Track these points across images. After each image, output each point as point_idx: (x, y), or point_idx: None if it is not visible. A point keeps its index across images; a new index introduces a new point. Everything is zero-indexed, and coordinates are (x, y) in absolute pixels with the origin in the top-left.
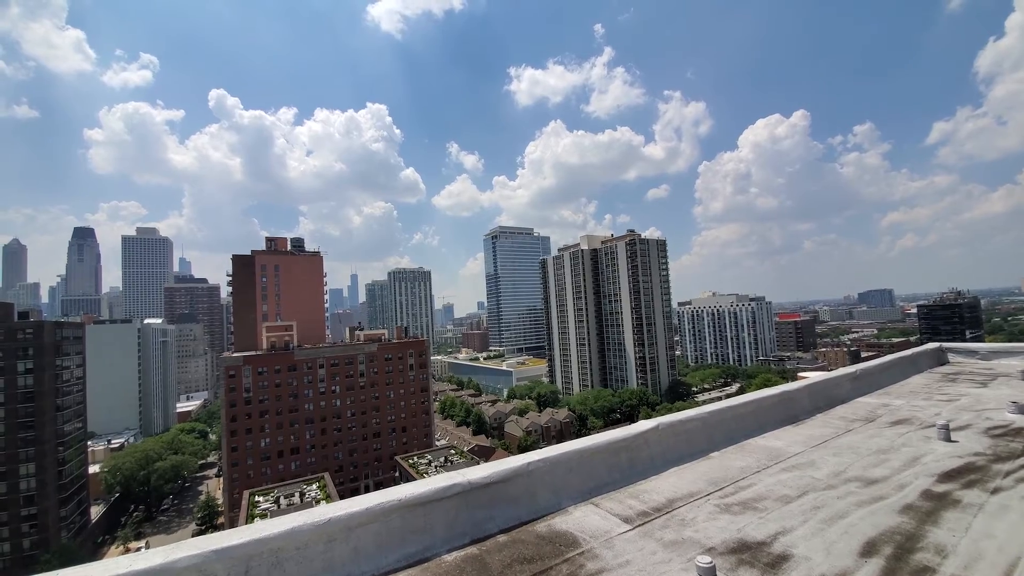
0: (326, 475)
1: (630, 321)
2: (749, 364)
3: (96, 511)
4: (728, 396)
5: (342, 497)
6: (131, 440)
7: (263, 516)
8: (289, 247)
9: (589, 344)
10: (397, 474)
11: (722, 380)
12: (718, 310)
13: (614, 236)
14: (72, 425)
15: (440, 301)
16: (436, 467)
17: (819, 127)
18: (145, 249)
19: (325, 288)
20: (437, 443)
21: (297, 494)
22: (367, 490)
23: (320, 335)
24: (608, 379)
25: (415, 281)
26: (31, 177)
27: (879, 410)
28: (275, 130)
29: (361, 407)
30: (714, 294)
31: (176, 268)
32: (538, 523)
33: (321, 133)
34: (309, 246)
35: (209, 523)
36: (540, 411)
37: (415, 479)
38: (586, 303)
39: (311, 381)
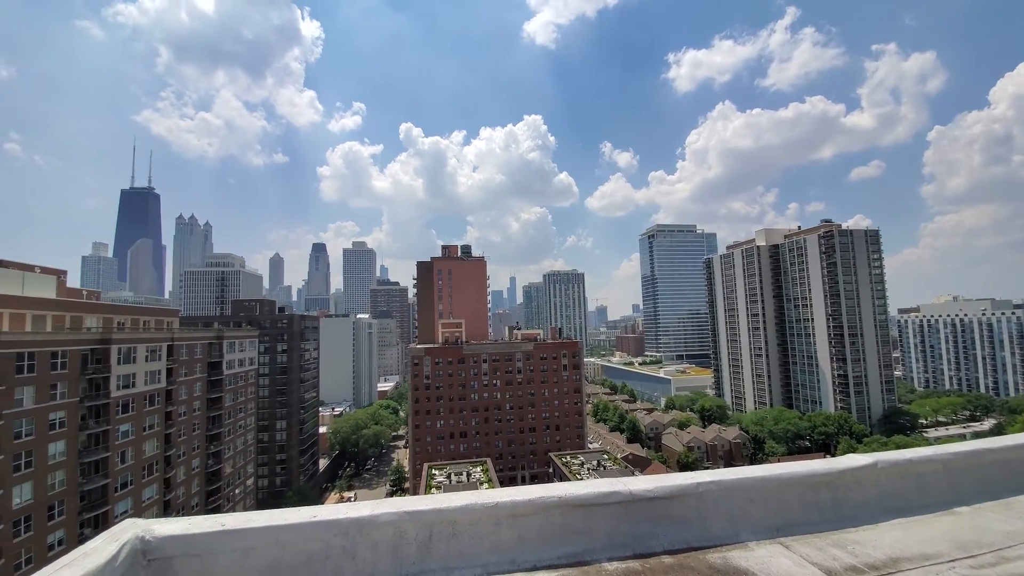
0: (488, 460)
1: (825, 331)
2: (1012, 394)
3: (322, 463)
4: (977, 436)
5: (501, 483)
6: (347, 410)
7: (438, 488)
8: (459, 253)
9: (767, 356)
10: (550, 470)
11: (967, 413)
12: (962, 320)
13: (802, 229)
14: (309, 394)
15: (593, 303)
16: (589, 469)
17: None
18: (358, 259)
19: (488, 289)
20: (589, 445)
21: (464, 473)
22: (523, 481)
23: (483, 332)
24: (793, 398)
25: (568, 283)
26: (286, 206)
27: None
28: (448, 152)
29: (518, 402)
30: (955, 298)
31: (378, 273)
32: (711, 552)
33: (484, 150)
34: (474, 252)
35: (398, 486)
36: (704, 426)
37: (568, 478)
38: (763, 308)
39: (476, 374)
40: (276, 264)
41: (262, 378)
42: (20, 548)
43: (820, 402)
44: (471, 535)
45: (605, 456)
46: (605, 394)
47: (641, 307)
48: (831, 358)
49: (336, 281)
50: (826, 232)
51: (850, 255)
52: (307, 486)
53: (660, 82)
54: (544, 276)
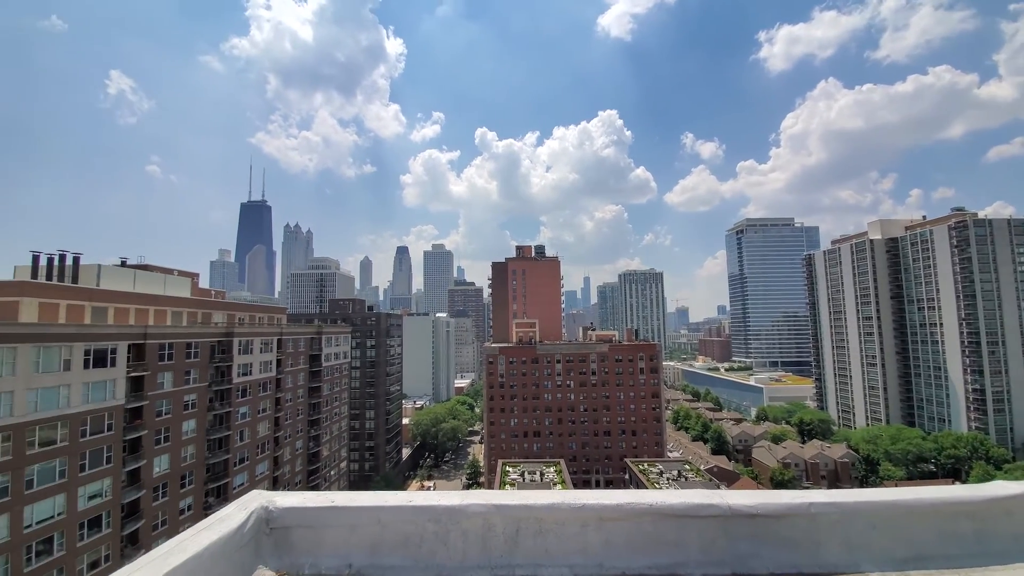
0: (561, 462)
1: (957, 337)
2: None
3: (405, 453)
4: None
5: (575, 486)
6: (427, 404)
7: (512, 484)
8: (533, 253)
9: (883, 365)
10: (626, 477)
11: None
12: None
13: (927, 219)
14: (394, 387)
15: (673, 304)
16: (668, 479)
17: None
18: (436, 261)
19: (561, 290)
20: (669, 454)
21: (538, 472)
22: (597, 485)
23: (557, 333)
24: (915, 415)
25: (646, 283)
26: (374, 212)
27: None
28: (521, 153)
29: (593, 404)
30: None
31: (455, 274)
32: None
33: (557, 149)
34: (548, 252)
35: (474, 480)
36: (802, 442)
37: (645, 486)
38: (878, 310)
39: (550, 374)
40: (366, 266)
41: (354, 371)
42: (157, 511)
43: (949, 420)
44: (557, 534)
45: (687, 467)
46: (686, 400)
47: (728, 308)
48: (964, 369)
49: (417, 282)
50: (958, 222)
51: (988, 249)
52: (392, 473)
53: (749, 64)
54: (619, 276)
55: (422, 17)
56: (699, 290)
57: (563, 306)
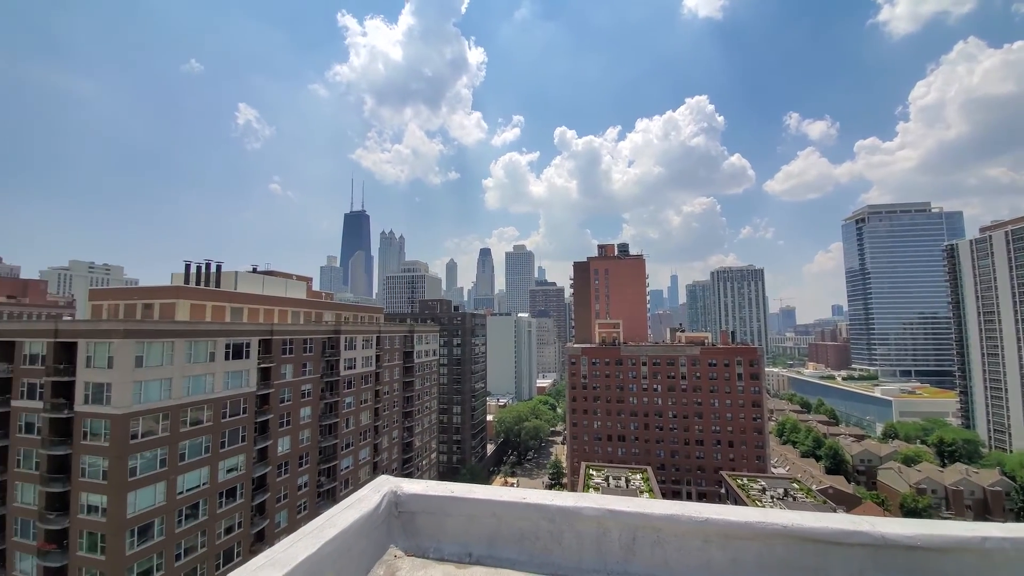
0: (649, 469)
1: None
2: None
3: (489, 448)
4: None
5: (663, 495)
6: (510, 402)
7: (596, 489)
8: (616, 252)
9: None
10: (723, 491)
11: None
12: None
13: None
14: (479, 384)
15: (776, 304)
16: (773, 498)
17: None
18: (518, 262)
19: (646, 289)
20: (773, 470)
21: (624, 479)
22: (689, 497)
23: (642, 334)
24: None
25: (743, 280)
26: (458, 216)
27: None
28: (602, 150)
29: (683, 410)
30: None
31: (536, 275)
32: None
33: (640, 143)
34: (631, 250)
35: (557, 480)
36: (942, 465)
37: (745, 503)
38: None
39: (635, 376)
40: (451, 268)
41: (442, 368)
42: (280, 486)
43: None
44: (677, 547)
45: (794, 485)
46: (794, 412)
47: (845, 309)
48: None
49: (499, 282)
50: None
51: None
52: (477, 466)
53: (866, 30)
54: (712, 274)
55: (501, 24)
56: (808, 288)
57: (648, 306)
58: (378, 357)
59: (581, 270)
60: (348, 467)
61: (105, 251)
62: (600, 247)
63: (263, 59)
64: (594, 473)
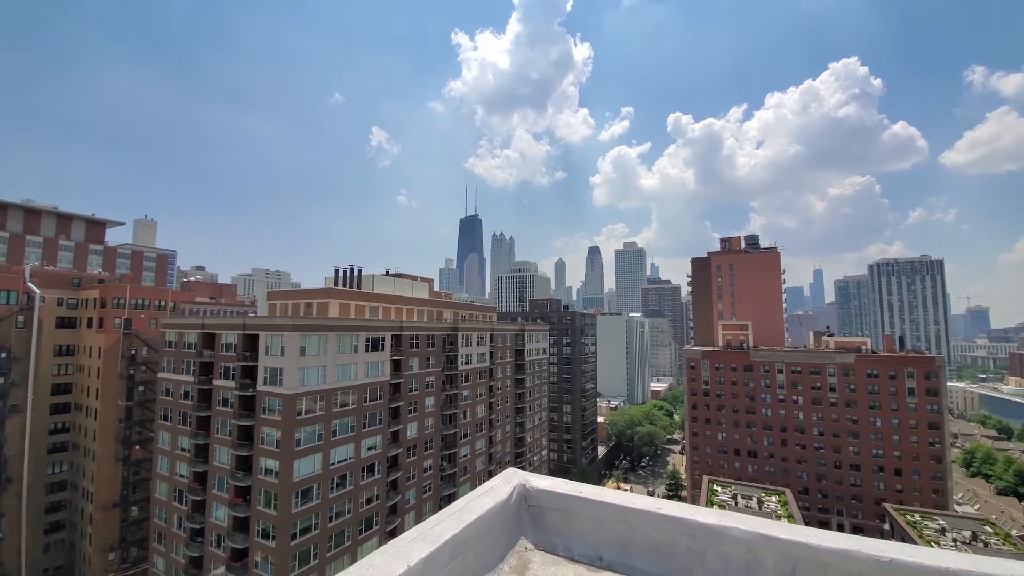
0: (787, 492)
1: None
2: None
3: (600, 451)
4: None
5: (807, 523)
6: (621, 404)
7: (721, 506)
8: (743, 245)
9: None
10: (887, 527)
11: None
12: None
13: None
14: (588, 384)
15: (961, 303)
16: (957, 542)
17: None
18: (628, 259)
19: (782, 286)
20: (957, 506)
21: (755, 499)
22: (840, 528)
23: (777, 337)
24: None
25: (914, 275)
26: (565, 216)
27: None
28: (724, 133)
29: (833, 427)
30: None
31: (648, 272)
32: None
33: (772, 120)
34: (762, 242)
35: (674, 492)
36: None
37: (915, 542)
38: None
39: (768, 385)
40: (559, 268)
41: (551, 366)
42: (410, 467)
43: None
44: None
45: (987, 528)
46: (987, 437)
47: None
48: None
49: (609, 281)
50: None
51: None
52: (588, 468)
53: None
54: (870, 267)
55: (607, 14)
56: (1006, 283)
57: (785, 306)
58: (492, 354)
59: (700, 266)
60: (466, 455)
61: (277, 259)
62: (723, 240)
63: (391, 85)
64: (719, 489)
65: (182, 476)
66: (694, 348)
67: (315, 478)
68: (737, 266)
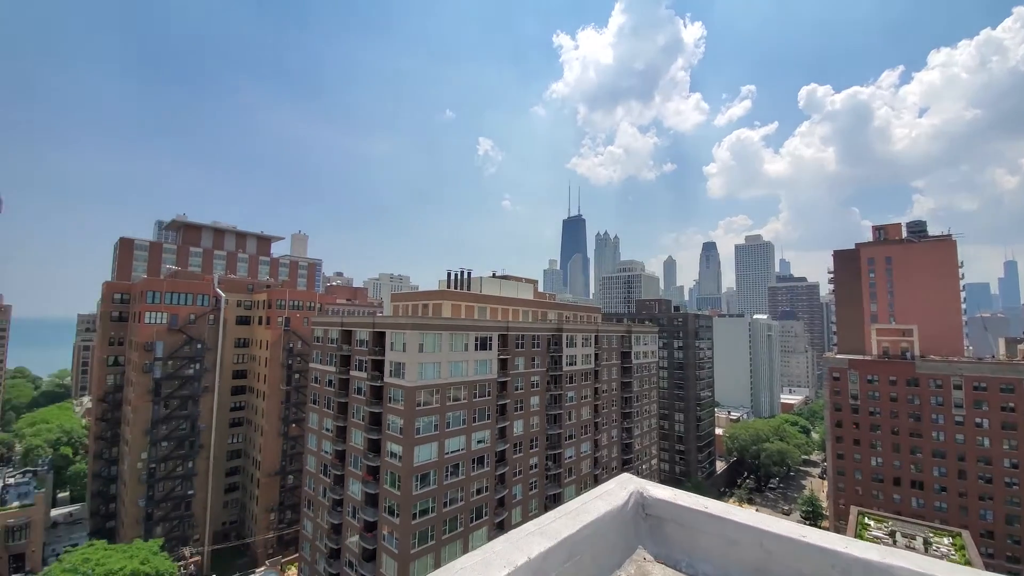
0: (965, 534)
1: None
2: None
3: (720, 466)
4: None
5: (989, 570)
6: (744, 416)
7: (875, 542)
8: (904, 234)
9: None
10: None
11: None
12: None
13: None
14: (704, 392)
15: None
16: None
17: None
18: (751, 254)
19: (959, 283)
20: None
21: (920, 539)
22: None
23: (954, 345)
24: None
25: None
26: (676, 211)
27: None
28: (873, 102)
29: None
30: None
31: (777, 269)
32: None
33: (938, 81)
34: (931, 230)
35: (812, 521)
36: None
37: None
38: None
39: (941, 404)
40: (669, 266)
41: (661, 371)
42: (516, 463)
43: None
44: None
45: None
46: None
47: None
48: None
49: (728, 279)
50: None
51: None
52: (705, 483)
53: None
54: None
55: None
56: None
57: (964, 306)
58: (597, 355)
59: (846, 260)
60: (571, 457)
61: (399, 263)
62: (876, 229)
63: (495, 96)
64: (871, 524)
65: (326, 452)
66: (838, 356)
67: (432, 464)
68: (897, 259)
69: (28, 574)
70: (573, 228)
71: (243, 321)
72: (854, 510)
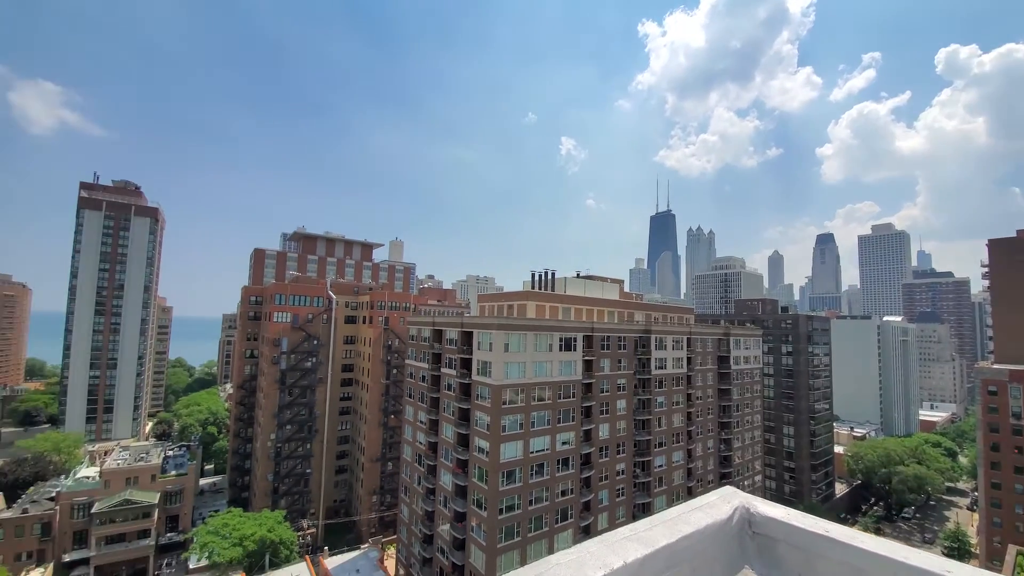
0: None
1: None
2: None
3: (839, 489)
4: None
5: None
6: (872, 434)
7: None
8: None
9: None
10: None
11: None
12: None
13: None
14: (820, 404)
15: None
16: None
17: None
18: (879, 246)
19: None
20: None
21: None
22: None
23: None
24: None
25: None
26: (782, 200)
27: None
28: None
29: None
30: None
31: (914, 262)
32: None
33: None
34: None
35: (957, 559)
36: None
37: None
38: None
39: None
40: (775, 262)
41: (767, 378)
42: (602, 467)
43: None
44: None
45: None
46: None
47: None
48: None
49: (849, 276)
50: None
51: None
52: (821, 506)
53: None
54: None
55: None
56: None
57: None
58: (689, 360)
59: (1006, 250)
60: (661, 466)
61: (485, 265)
62: None
63: (577, 94)
64: None
65: (420, 443)
66: (995, 366)
67: (517, 462)
68: None
69: (180, 532)
70: (661, 224)
71: (350, 320)
72: (1012, 549)
